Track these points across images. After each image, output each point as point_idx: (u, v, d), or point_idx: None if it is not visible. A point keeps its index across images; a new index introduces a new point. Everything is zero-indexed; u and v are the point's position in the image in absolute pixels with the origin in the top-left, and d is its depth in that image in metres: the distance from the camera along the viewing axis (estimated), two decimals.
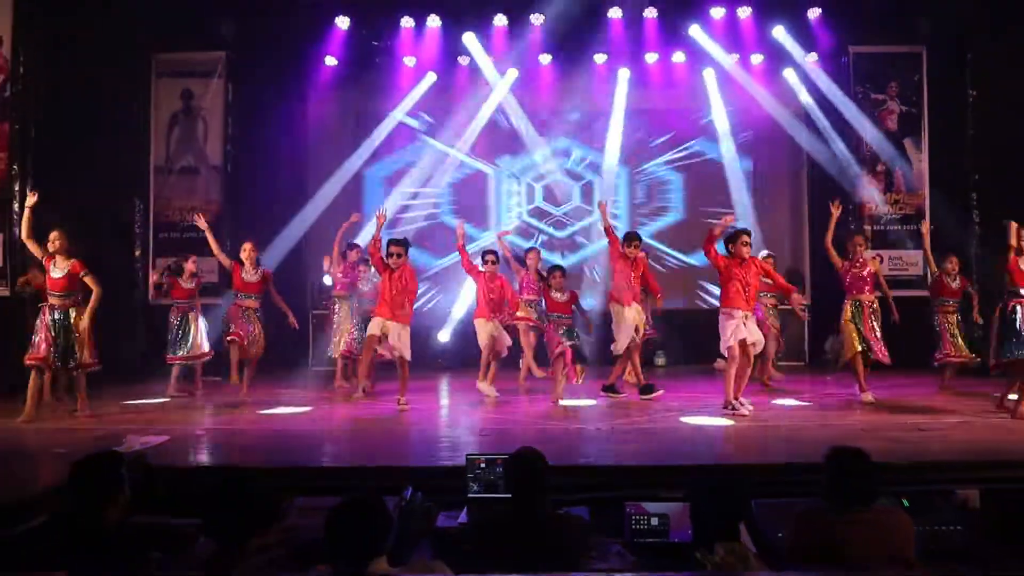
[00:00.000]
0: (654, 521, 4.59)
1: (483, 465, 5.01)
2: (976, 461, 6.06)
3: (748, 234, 8.53)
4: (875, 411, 8.53)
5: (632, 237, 9.64)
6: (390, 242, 8.94)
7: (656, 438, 7.39)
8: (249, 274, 9.57)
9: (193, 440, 7.37)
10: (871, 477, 3.84)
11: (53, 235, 8.31)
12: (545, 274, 9.75)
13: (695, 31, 13.00)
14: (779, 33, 13.01)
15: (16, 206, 10.24)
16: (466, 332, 12.65)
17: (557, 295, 9.40)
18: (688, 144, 14.27)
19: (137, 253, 12.85)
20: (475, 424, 8.12)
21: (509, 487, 4.23)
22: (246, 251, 9.61)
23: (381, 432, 7.85)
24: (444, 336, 13.22)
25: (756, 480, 5.55)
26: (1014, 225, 8.37)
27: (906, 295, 12.62)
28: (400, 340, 8.66)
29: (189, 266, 10.29)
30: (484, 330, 9.69)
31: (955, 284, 9.87)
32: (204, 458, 6.67)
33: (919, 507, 4.73)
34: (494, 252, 10.07)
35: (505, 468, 4.51)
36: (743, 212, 13.59)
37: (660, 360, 13.10)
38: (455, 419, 8.89)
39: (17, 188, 10.27)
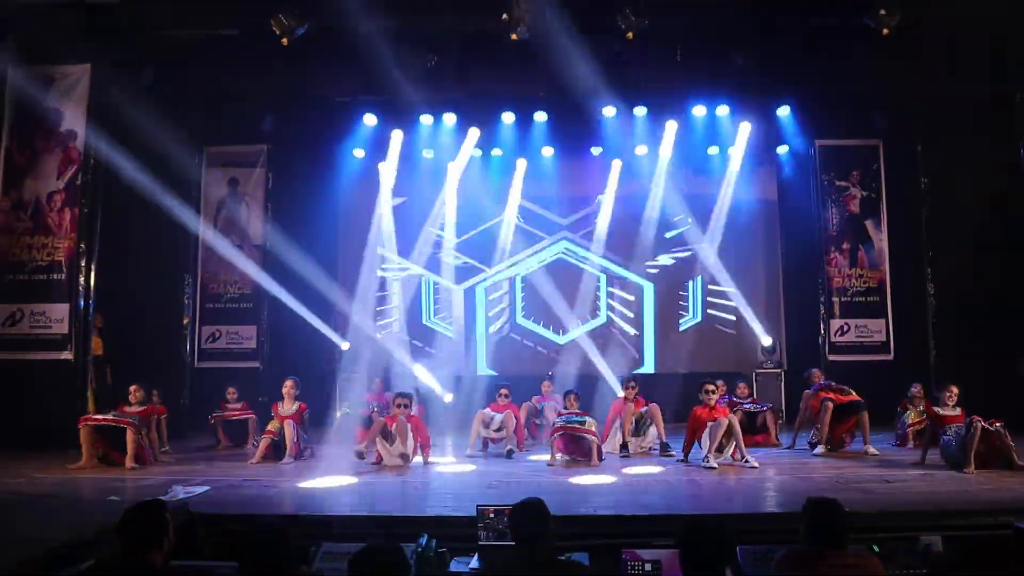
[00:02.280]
0: (648, 567, 4.50)
1: (492, 515, 4.94)
2: (938, 510, 5.97)
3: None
4: (847, 465, 8.42)
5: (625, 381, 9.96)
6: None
7: (649, 490, 7.30)
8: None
9: (231, 490, 7.29)
10: (844, 524, 3.79)
11: (133, 388, 9.18)
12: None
13: (677, 126, 13.16)
14: (753, 128, 13.16)
15: (82, 280, 10.32)
16: (470, 393, 12.67)
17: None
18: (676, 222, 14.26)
19: (185, 321, 12.89)
20: (485, 478, 8.01)
21: (515, 534, 4.15)
22: None
23: (399, 484, 7.76)
24: (448, 397, 13.11)
25: (740, 528, 5.46)
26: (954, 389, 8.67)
27: (870, 359, 12.67)
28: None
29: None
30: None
31: (955, 412, 8.60)
32: (239, 507, 6.57)
33: (888, 552, 4.64)
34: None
35: (511, 516, 4.44)
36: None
37: None
38: (465, 473, 8.76)
39: (83, 264, 10.36)
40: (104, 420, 8.78)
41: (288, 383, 9.53)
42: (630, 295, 14.25)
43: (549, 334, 14.10)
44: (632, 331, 14.09)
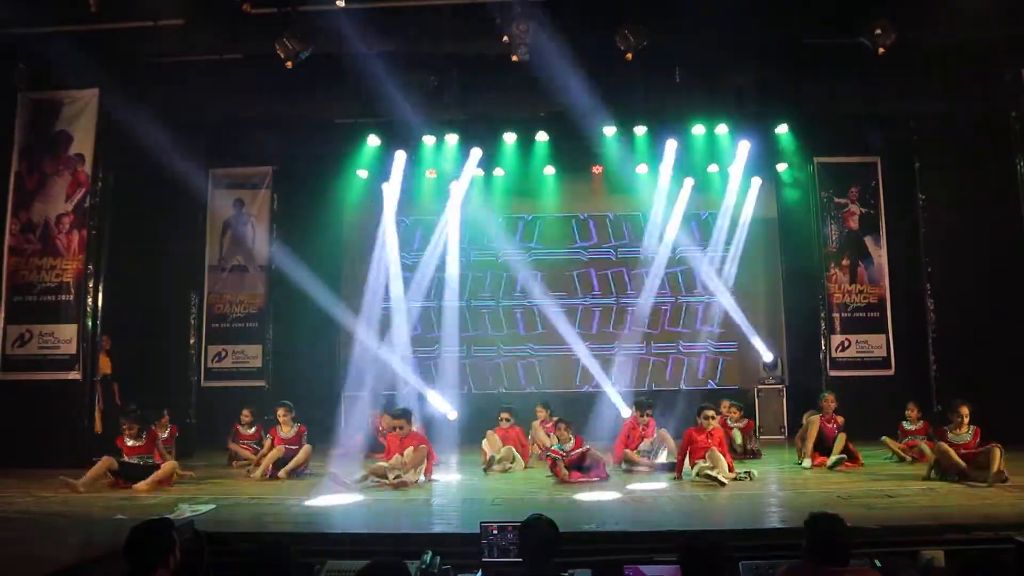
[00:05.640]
0: None
1: (495, 532, 4.92)
2: (939, 525, 5.94)
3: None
4: (849, 480, 8.39)
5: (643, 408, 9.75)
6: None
7: (651, 506, 7.27)
8: None
9: (236, 508, 7.27)
10: (846, 539, 3.78)
11: (125, 425, 8.71)
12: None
13: (677, 145, 13.20)
14: (751, 146, 13.19)
15: (90, 301, 10.36)
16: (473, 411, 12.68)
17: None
18: (672, 242, 14.25)
19: (192, 341, 12.91)
20: (488, 495, 7.99)
21: (523, 551, 4.13)
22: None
23: (403, 501, 7.74)
24: (453, 415, 13.10)
25: (742, 543, 5.43)
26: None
27: (871, 374, 12.64)
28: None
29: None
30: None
31: (967, 438, 8.27)
32: (245, 525, 6.55)
33: (889, 567, 4.62)
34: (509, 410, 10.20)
35: (520, 533, 4.41)
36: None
37: None
38: (469, 490, 8.73)
39: (91, 285, 10.40)
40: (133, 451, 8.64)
41: (280, 411, 9.57)
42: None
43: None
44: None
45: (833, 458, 9.26)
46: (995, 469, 7.65)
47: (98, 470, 8.39)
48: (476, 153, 13.39)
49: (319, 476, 9.13)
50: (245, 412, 10.74)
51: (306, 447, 9.37)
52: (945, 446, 8.06)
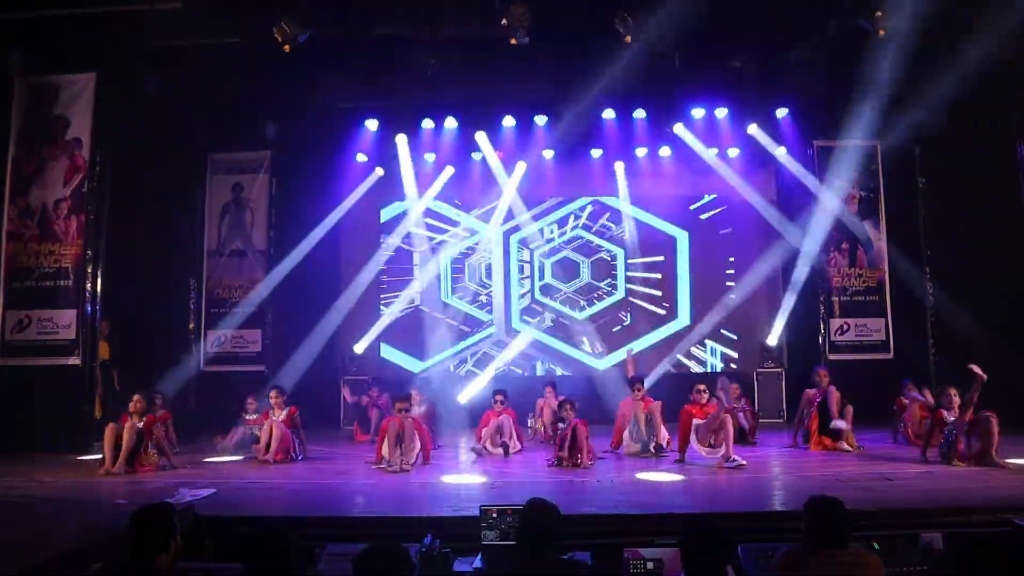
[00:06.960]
0: (650, 565, 4.50)
1: (495, 515, 4.94)
2: (938, 507, 5.95)
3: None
4: (848, 462, 8.41)
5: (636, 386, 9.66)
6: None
7: (651, 489, 7.29)
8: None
9: (236, 492, 7.28)
10: (846, 523, 3.78)
11: (136, 397, 8.74)
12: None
13: (679, 129, 13.13)
14: (752, 130, 13.13)
15: (89, 286, 10.34)
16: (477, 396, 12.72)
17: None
18: (675, 225, 14.28)
19: (191, 325, 12.92)
20: (488, 478, 8.00)
21: (523, 534, 4.13)
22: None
23: (403, 484, 7.75)
24: (463, 398, 13.13)
25: (741, 526, 5.45)
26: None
27: (870, 358, 12.63)
28: None
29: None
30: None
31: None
32: (245, 509, 6.57)
33: (889, 550, 4.63)
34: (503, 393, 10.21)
35: (522, 517, 4.40)
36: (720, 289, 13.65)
37: None
38: (471, 473, 8.74)
39: (90, 270, 10.38)
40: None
41: (272, 393, 9.62)
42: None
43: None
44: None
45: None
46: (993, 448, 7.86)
47: (109, 442, 8.37)
48: (479, 136, 13.35)
49: (316, 459, 9.21)
50: (250, 400, 10.70)
51: (282, 431, 9.24)
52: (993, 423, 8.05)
